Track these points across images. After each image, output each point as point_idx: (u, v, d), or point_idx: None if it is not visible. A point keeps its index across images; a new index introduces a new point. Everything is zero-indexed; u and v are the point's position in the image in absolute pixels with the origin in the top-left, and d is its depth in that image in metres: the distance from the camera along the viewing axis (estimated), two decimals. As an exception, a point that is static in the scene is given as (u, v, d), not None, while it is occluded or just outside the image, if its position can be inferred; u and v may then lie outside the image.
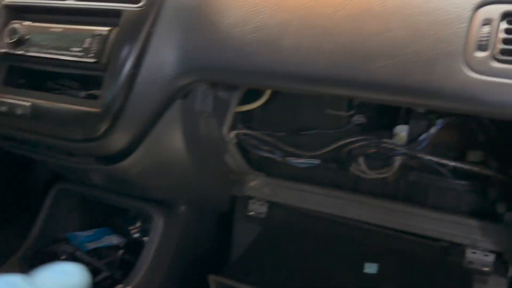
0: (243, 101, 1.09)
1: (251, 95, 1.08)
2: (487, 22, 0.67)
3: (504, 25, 0.66)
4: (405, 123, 1.04)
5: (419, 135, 1.01)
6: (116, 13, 0.85)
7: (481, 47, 0.65)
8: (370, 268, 1.05)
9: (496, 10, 0.67)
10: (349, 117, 1.09)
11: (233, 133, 1.03)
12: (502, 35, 0.65)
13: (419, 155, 1.01)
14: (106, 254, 1.25)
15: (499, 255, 1.02)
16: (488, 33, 0.66)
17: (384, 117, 1.05)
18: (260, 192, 1.22)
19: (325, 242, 1.15)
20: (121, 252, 1.25)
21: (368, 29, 0.72)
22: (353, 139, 1.06)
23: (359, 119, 1.09)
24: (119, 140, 0.88)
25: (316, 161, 1.14)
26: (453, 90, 0.65)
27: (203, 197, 1.15)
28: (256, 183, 1.22)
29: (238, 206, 1.27)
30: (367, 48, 0.71)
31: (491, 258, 1.02)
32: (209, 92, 0.91)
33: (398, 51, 0.69)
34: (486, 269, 1.02)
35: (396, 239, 1.10)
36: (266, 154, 1.16)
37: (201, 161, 1.00)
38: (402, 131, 1.05)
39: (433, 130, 0.99)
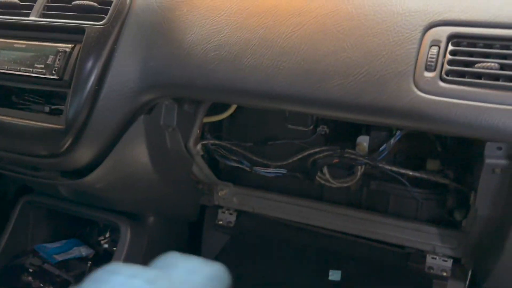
0: (212, 112, 1.11)
1: (220, 106, 1.10)
2: (435, 43, 0.70)
3: (450, 46, 0.70)
4: (367, 133, 1.08)
5: (380, 145, 1.05)
6: (80, 30, 0.86)
7: (429, 68, 0.69)
8: (334, 275, 1.08)
9: (444, 32, 0.71)
10: (314, 128, 1.12)
11: (199, 145, 1.05)
12: (449, 56, 0.69)
13: (380, 164, 1.05)
14: (75, 266, 1.25)
15: (457, 261, 1.06)
16: (436, 54, 0.69)
17: (347, 127, 1.08)
18: (229, 202, 1.24)
19: (291, 250, 1.18)
20: (89, 263, 1.25)
21: (324, 49, 0.75)
22: (317, 149, 1.09)
23: (323, 130, 1.12)
24: (83, 155, 0.89)
25: (283, 171, 1.17)
26: (403, 109, 0.68)
27: (172, 208, 1.16)
28: (225, 193, 1.24)
29: (208, 216, 1.29)
30: (322, 67, 0.74)
31: (449, 263, 1.06)
32: (173, 107, 0.93)
33: (352, 70, 0.72)
34: (445, 274, 1.06)
35: (359, 246, 1.14)
36: (234, 164, 1.19)
37: (168, 174, 1.01)
38: (363, 142, 1.08)
39: (392, 140, 1.03)
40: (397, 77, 0.70)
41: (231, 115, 1.12)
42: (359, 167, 1.08)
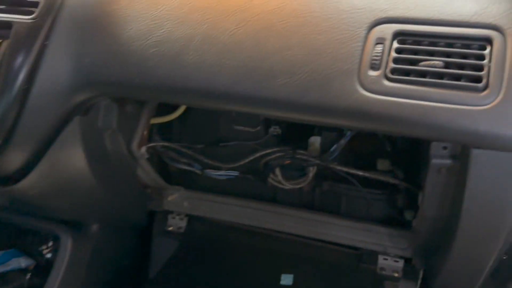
0: (160, 113, 1.06)
1: (169, 106, 1.05)
2: (380, 41, 0.69)
3: (395, 44, 0.68)
4: (319, 134, 1.06)
5: (332, 146, 1.03)
6: (7, 25, 0.79)
7: (374, 66, 0.67)
8: (286, 279, 1.05)
9: (389, 29, 0.69)
10: (265, 129, 1.09)
11: (144, 148, 1.00)
12: (394, 54, 0.67)
13: (331, 165, 1.04)
14: (13, 279, 1.16)
15: (408, 261, 1.06)
16: (381, 52, 0.68)
17: (300, 128, 1.06)
18: (179, 206, 1.19)
19: (244, 254, 1.15)
20: (29, 275, 1.16)
21: (269, 47, 0.72)
22: (269, 150, 1.06)
23: (275, 130, 1.10)
24: (13, 159, 0.82)
25: (235, 173, 1.13)
26: (347, 109, 0.66)
27: (117, 215, 1.10)
28: (174, 197, 1.19)
29: (157, 221, 1.23)
30: (267, 65, 0.71)
31: (401, 264, 1.06)
32: (113, 107, 0.87)
33: (297, 69, 0.70)
34: (396, 275, 1.05)
35: (312, 248, 1.12)
36: (184, 167, 1.14)
37: (109, 179, 0.96)
38: (316, 142, 1.07)
39: (342, 141, 1.02)
40: (342, 76, 0.67)
41: (181, 116, 1.07)
42: (311, 168, 1.06)
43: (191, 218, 1.21)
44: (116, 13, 0.80)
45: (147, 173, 1.06)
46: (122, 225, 1.17)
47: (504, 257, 0.98)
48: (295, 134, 1.09)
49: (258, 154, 1.07)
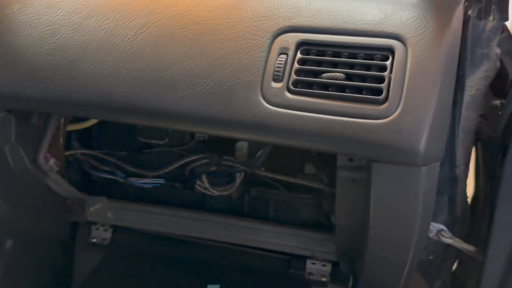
0: (78, 118, 1.00)
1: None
2: (284, 51, 0.66)
3: (299, 55, 0.66)
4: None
5: (259, 151, 1.01)
6: None
7: (277, 78, 0.64)
8: (212, 290, 1.03)
9: (293, 39, 0.67)
10: (191, 134, 1.05)
11: (52, 160, 0.93)
12: (296, 66, 0.65)
13: (257, 171, 1.01)
14: None
15: (336, 265, 1.06)
16: (283, 63, 0.65)
17: None
18: (103, 217, 1.14)
19: (170, 265, 1.11)
20: None
21: (170, 55, 0.68)
22: (195, 157, 1.03)
23: (201, 136, 1.06)
24: None
25: (161, 181, 1.09)
26: (250, 123, 0.64)
27: (32, 229, 1.03)
28: (97, 208, 1.13)
29: (80, 233, 1.17)
30: (168, 75, 0.67)
31: (328, 268, 1.05)
32: (10, 120, 0.80)
33: (199, 80, 0.66)
34: (324, 279, 1.05)
35: (241, 255, 1.10)
36: (106, 175, 1.08)
37: (16, 194, 0.89)
38: (242, 147, 1.04)
39: (268, 146, 0.99)
40: (245, 88, 0.64)
41: (100, 121, 1.01)
42: (238, 174, 1.04)
43: (116, 229, 1.16)
44: (7, 19, 0.74)
45: (59, 185, 1.00)
46: (41, 239, 1.11)
47: (430, 257, 1.00)
48: (222, 139, 1.06)
49: (183, 161, 1.03)
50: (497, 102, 0.97)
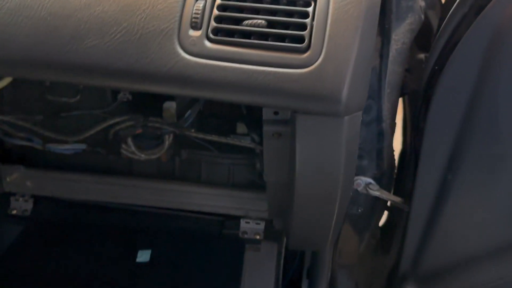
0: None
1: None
2: (201, -4, 0.61)
3: (218, 0, 0.61)
4: (173, 98, 0.98)
5: (187, 110, 0.97)
6: None
7: (195, 25, 0.60)
8: (143, 256, 0.99)
9: None
10: (114, 94, 0.98)
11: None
12: (216, 12, 0.60)
13: (187, 132, 0.97)
14: None
15: (270, 222, 1.06)
16: (202, 9, 0.60)
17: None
18: (22, 187, 1.06)
19: (97, 234, 1.06)
20: None
21: (74, 2, 0.61)
22: (118, 119, 0.96)
23: (125, 96, 0.99)
24: None
25: (82, 146, 1.02)
26: (167, 74, 0.59)
27: None
28: (15, 177, 1.05)
29: (-2, 205, 1.08)
30: (73, 23, 0.60)
31: (262, 226, 1.06)
32: None
33: (108, 28, 0.60)
34: (258, 237, 1.05)
35: (173, 219, 1.07)
36: (22, 143, 1.00)
37: None
38: (170, 107, 0.98)
39: (197, 105, 0.95)
40: (160, 36, 0.59)
41: (12, 83, 0.92)
42: (167, 136, 0.99)
43: (37, 199, 1.08)
44: None
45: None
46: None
47: (360, 210, 1.02)
48: (147, 99, 1.00)
49: (105, 124, 0.96)
50: (421, 55, 0.99)
